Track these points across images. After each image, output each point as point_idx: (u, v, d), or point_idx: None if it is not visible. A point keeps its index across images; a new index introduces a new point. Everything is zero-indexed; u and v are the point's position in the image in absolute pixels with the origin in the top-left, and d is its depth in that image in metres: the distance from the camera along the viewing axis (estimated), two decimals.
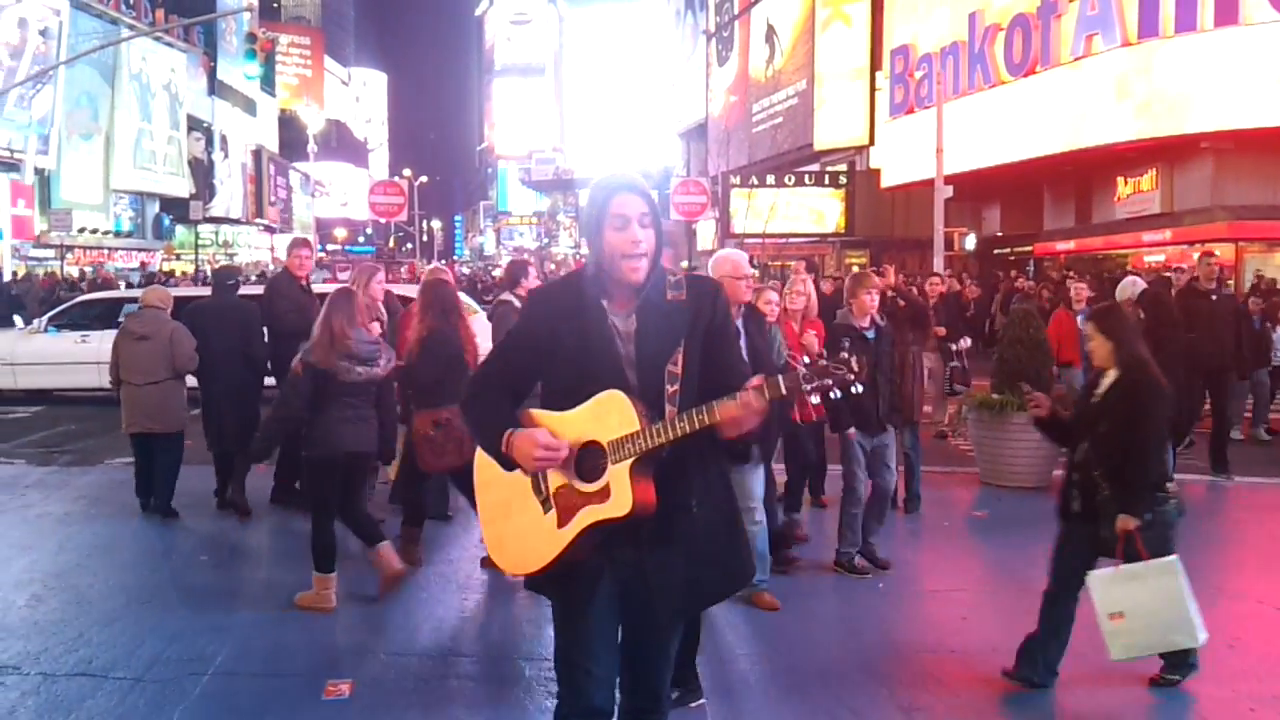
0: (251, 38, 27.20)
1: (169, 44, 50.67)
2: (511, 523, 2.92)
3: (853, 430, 6.32)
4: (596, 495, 2.75)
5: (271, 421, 5.96)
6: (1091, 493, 4.62)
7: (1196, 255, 12.34)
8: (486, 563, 6.39)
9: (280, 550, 7.06)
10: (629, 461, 2.70)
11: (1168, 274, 15.85)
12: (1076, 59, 24.76)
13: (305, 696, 4.62)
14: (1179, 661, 4.72)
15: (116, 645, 5.20)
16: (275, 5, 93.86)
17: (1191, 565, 6.84)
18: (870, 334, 6.36)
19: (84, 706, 4.49)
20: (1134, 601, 4.39)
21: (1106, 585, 4.47)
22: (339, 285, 7.52)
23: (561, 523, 2.79)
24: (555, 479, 2.82)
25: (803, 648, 5.27)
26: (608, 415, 2.73)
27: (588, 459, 2.77)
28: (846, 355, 2.65)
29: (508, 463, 2.82)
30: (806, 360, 2.68)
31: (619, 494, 2.71)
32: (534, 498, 2.86)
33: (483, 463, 2.97)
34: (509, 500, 2.90)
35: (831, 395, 2.62)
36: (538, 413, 2.87)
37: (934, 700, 4.64)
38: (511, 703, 4.54)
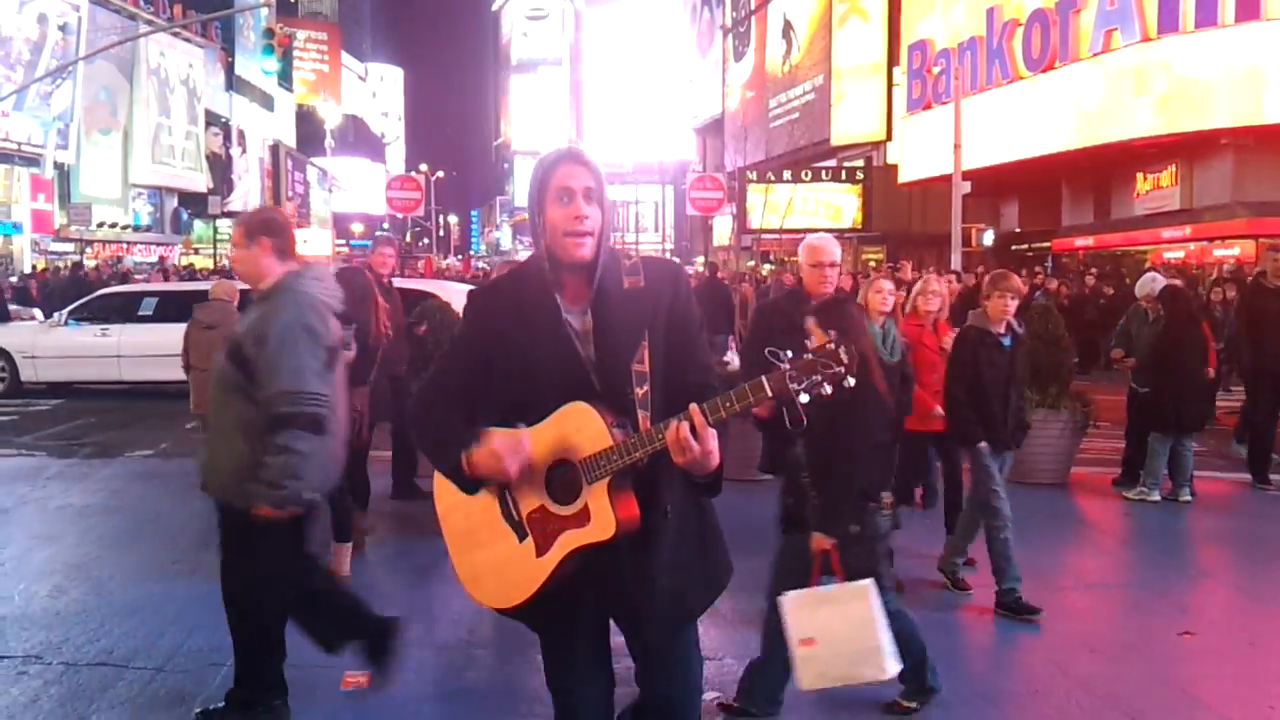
0: (269, 33, 27.23)
1: (187, 39, 50.91)
2: (484, 553, 2.65)
3: (984, 443, 5.67)
4: (574, 519, 2.50)
5: None
6: (803, 499, 4.19)
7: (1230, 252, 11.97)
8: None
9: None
10: (606, 479, 2.45)
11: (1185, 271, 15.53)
12: (1095, 54, 24.65)
13: (323, 687, 4.63)
14: (916, 688, 4.36)
15: (137, 636, 5.24)
16: (292, 1, 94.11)
17: (1213, 565, 6.83)
18: (1007, 341, 5.73)
19: (105, 696, 4.52)
20: (825, 626, 3.93)
21: (798, 608, 3.99)
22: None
23: (540, 550, 2.54)
24: (527, 502, 2.56)
25: None
26: (575, 431, 2.48)
27: (560, 477, 2.52)
28: (834, 345, 2.35)
29: (470, 485, 2.58)
30: (790, 355, 2.34)
31: (600, 516, 2.47)
32: (505, 524, 2.61)
33: (442, 487, 2.70)
34: (477, 528, 2.65)
35: (823, 392, 2.32)
36: (497, 431, 2.57)
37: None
38: (529, 696, 4.55)
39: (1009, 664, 4.89)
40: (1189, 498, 8.35)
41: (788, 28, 42.15)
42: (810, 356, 2.33)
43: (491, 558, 2.63)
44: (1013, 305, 5.69)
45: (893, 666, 3.95)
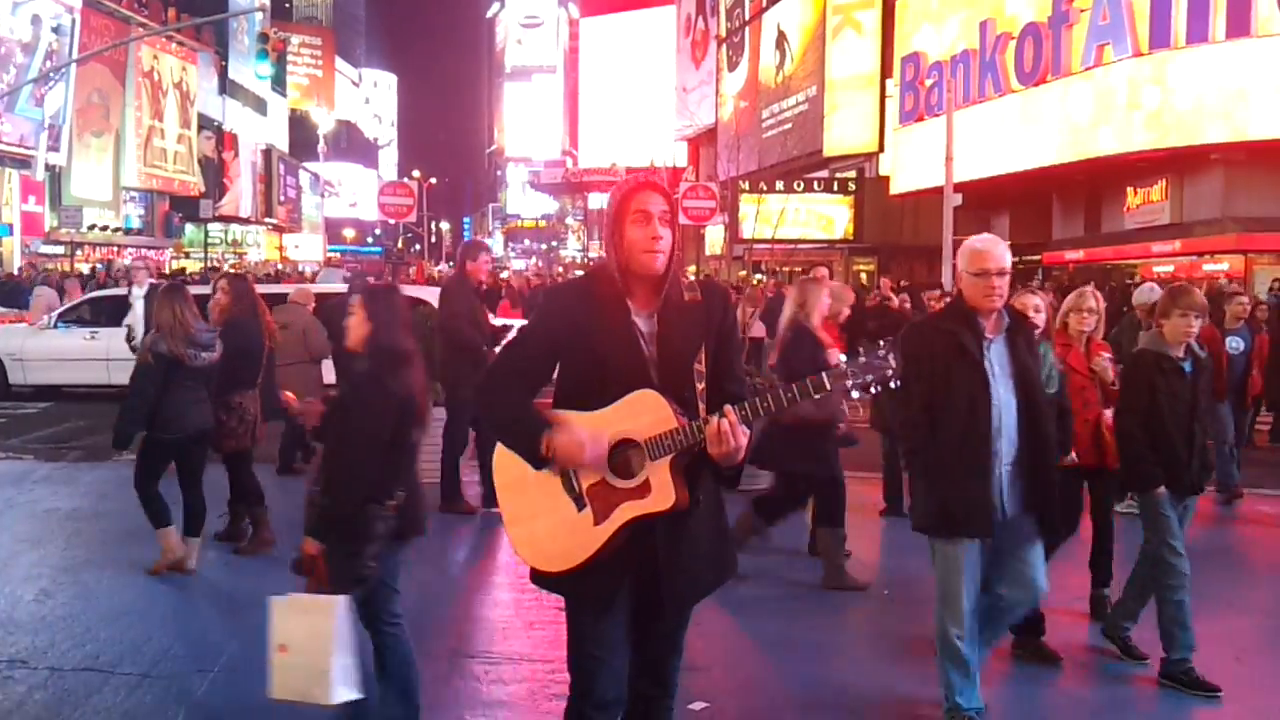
0: (263, 37, 27.27)
1: (181, 43, 50.87)
2: (542, 521, 2.94)
3: (1162, 488, 4.89)
4: (635, 491, 2.82)
5: (128, 410, 6.18)
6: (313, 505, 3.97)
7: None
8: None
9: (289, 547, 7.06)
10: (669, 458, 2.78)
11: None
12: (1087, 69, 24.77)
13: None
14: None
15: (123, 640, 5.22)
16: (287, 5, 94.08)
17: (1201, 579, 6.82)
18: (1187, 366, 4.98)
19: (90, 701, 4.50)
20: (296, 637, 3.75)
21: (280, 611, 3.80)
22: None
23: (599, 519, 2.85)
24: (588, 476, 2.86)
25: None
26: (641, 413, 2.80)
27: (618, 456, 2.84)
28: (884, 351, 2.72)
29: (541, 463, 2.87)
30: (845, 356, 2.78)
31: (660, 489, 2.79)
32: (565, 496, 2.89)
33: (504, 464, 2.99)
34: (537, 500, 2.93)
35: (872, 390, 2.72)
36: (568, 414, 2.88)
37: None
38: (517, 704, 4.55)
39: (988, 682, 4.89)
40: None
41: (781, 38, 42.21)
42: (864, 359, 2.74)
43: (550, 525, 2.92)
44: (1196, 325, 4.98)
45: (340, 695, 3.72)
